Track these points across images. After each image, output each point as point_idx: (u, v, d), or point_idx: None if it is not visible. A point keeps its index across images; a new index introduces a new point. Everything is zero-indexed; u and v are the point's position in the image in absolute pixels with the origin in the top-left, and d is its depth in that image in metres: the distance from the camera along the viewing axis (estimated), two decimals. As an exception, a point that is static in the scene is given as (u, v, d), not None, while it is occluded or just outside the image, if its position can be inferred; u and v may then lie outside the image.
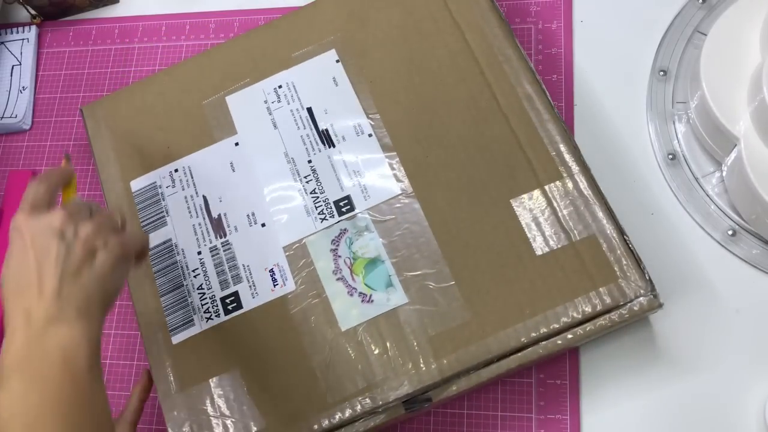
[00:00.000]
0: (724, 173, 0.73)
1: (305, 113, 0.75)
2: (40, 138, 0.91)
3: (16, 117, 0.91)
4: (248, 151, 0.76)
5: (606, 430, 0.69)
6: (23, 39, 0.95)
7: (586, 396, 0.70)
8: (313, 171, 0.73)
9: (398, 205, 0.70)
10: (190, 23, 0.92)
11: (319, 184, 0.72)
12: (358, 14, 0.78)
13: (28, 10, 0.95)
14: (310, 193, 0.72)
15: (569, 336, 0.64)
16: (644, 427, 0.68)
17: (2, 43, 0.95)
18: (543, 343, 0.64)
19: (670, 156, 0.75)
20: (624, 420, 0.69)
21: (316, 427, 0.65)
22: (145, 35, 0.93)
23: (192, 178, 0.76)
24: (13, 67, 0.94)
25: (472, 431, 0.71)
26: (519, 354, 0.64)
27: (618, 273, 0.65)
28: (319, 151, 0.74)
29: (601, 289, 0.64)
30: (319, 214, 0.71)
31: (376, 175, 0.71)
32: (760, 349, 0.69)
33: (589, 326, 0.64)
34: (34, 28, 0.95)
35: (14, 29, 0.96)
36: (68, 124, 0.91)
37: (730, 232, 0.72)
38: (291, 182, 0.73)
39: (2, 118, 0.91)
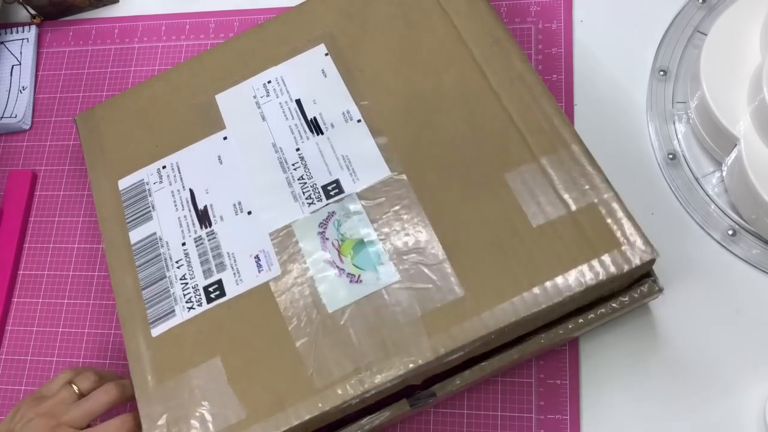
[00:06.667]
0: (724, 173, 0.72)
1: (294, 105, 0.75)
2: (39, 138, 0.91)
3: (15, 117, 0.91)
4: (236, 143, 0.75)
5: (606, 430, 0.68)
6: (23, 39, 0.95)
7: (586, 396, 0.69)
8: (301, 158, 0.72)
9: (388, 186, 0.69)
10: (190, 23, 0.92)
11: (307, 170, 0.71)
12: (348, 11, 0.78)
13: (28, 10, 0.95)
14: (298, 179, 0.71)
15: (570, 326, 0.63)
16: (644, 427, 0.68)
17: (2, 42, 0.96)
18: (544, 333, 0.63)
19: (670, 156, 0.75)
20: (624, 420, 0.68)
21: (300, 413, 0.62)
22: (144, 35, 0.93)
23: (179, 173, 0.75)
24: (12, 67, 0.94)
25: (472, 431, 0.70)
26: (520, 345, 0.64)
27: (620, 239, 0.62)
28: (307, 138, 0.73)
29: (603, 256, 0.61)
30: (306, 199, 0.70)
31: (365, 159, 0.70)
32: (760, 348, 0.68)
33: (590, 314, 0.63)
34: (33, 27, 0.96)
35: (14, 29, 0.96)
36: (68, 124, 0.91)
37: (730, 232, 0.71)
38: (278, 171, 0.72)
39: (2, 117, 0.91)
